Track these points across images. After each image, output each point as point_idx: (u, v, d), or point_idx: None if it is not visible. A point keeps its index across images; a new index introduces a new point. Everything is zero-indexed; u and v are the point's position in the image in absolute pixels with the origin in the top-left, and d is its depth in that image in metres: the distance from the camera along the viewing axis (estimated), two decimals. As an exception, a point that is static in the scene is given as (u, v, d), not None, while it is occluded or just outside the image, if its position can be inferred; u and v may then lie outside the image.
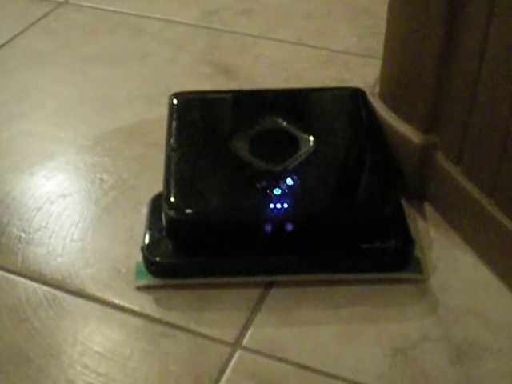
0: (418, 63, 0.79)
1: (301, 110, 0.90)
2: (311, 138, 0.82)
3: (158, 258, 0.75)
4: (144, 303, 0.74)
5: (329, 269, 0.76)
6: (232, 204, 0.76)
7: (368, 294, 0.75)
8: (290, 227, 0.74)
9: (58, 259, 0.79)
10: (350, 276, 0.76)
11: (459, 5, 0.71)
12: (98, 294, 0.75)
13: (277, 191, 0.75)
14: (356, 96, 0.89)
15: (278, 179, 0.76)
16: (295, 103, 0.90)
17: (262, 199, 0.75)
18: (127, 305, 0.74)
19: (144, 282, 0.75)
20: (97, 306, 0.74)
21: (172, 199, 0.75)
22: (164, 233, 0.76)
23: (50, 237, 0.82)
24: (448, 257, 0.79)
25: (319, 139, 0.82)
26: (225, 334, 0.71)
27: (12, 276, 0.77)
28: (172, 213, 0.74)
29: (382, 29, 0.85)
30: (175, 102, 0.87)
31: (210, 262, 0.75)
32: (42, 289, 0.76)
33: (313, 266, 0.76)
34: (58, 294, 0.75)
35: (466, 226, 0.80)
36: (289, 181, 0.76)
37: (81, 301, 0.75)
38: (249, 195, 0.76)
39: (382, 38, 0.86)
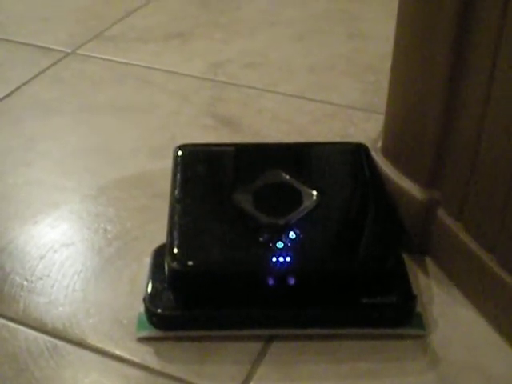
0: (421, 119, 0.80)
1: (304, 164, 0.90)
2: (314, 192, 0.82)
3: (159, 310, 0.75)
4: (145, 355, 0.74)
5: (330, 323, 0.76)
6: (234, 256, 0.76)
7: (369, 350, 0.75)
8: (292, 281, 0.74)
9: (60, 308, 0.79)
10: (351, 331, 0.76)
11: (463, 64, 0.73)
12: (99, 344, 0.75)
13: (279, 244, 0.75)
14: (359, 151, 0.90)
15: (281, 232, 0.77)
16: (298, 157, 0.91)
17: (264, 252, 0.75)
18: (128, 356, 0.74)
19: (145, 333, 0.75)
20: (97, 357, 0.74)
21: (175, 251, 0.75)
22: (166, 284, 0.76)
23: (53, 286, 0.82)
24: (449, 312, 0.79)
25: (322, 193, 0.82)
26: (226, 388, 0.71)
27: (13, 324, 0.77)
28: (175, 264, 0.74)
29: (385, 84, 0.86)
30: (180, 153, 0.88)
31: (211, 314, 0.75)
32: (43, 338, 0.76)
33: (314, 321, 0.76)
34: (59, 343, 0.75)
35: (467, 282, 0.80)
36: (291, 234, 0.77)
37: (82, 351, 0.75)
38: (251, 248, 0.76)
39: (384, 93, 0.87)
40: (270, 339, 0.75)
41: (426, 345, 0.75)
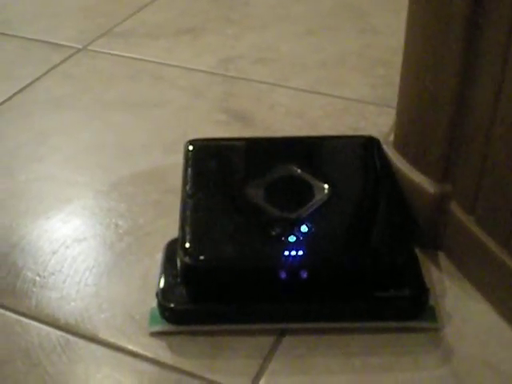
0: (432, 113, 0.80)
1: (315, 157, 0.90)
2: (325, 186, 0.82)
3: (172, 304, 0.75)
4: (157, 350, 0.74)
5: (342, 317, 0.76)
6: (247, 251, 0.76)
7: (382, 343, 0.75)
8: (304, 274, 0.74)
9: (72, 304, 0.79)
10: (364, 324, 0.76)
11: (473, 55, 0.72)
12: (112, 339, 0.75)
13: (291, 238, 0.75)
14: (370, 144, 0.90)
15: (293, 226, 0.77)
16: (309, 151, 0.91)
17: (276, 246, 0.75)
18: (140, 351, 0.74)
19: (158, 327, 0.75)
20: (110, 352, 0.74)
21: (187, 245, 0.75)
22: (178, 279, 0.76)
23: (65, 281, 0.82)
24: (462, 306, 0.78)
25: (333, 187, 0.82)
26: (238, 382, 0.71)
27: (25, 320, 0.78)
28: (187, 259, 0.74)
29: (396, 79, 0.86)
30: (191, 148, 0.88)
31: (223, 308, 0.75)
32: (56, 333, 0.76)
33: (326, 314, 0.76)
34: (71, 338, 0.76)
35: (479, 275, 0.80)
36: (303, 228, 0.76)
37: (94, 346, 0.75)
38: (264, 242, 0.76)
39: (396, 87, 0.86)
40: (282, 333, 0.75)
41: (438, 339, 0.75)
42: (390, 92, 1.11)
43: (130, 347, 0.74)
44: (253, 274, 0.75)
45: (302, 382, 0.71)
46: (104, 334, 0.76)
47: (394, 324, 0.76)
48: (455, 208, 0.81)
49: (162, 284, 0.76)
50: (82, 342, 0.75)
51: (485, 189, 0.76)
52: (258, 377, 0.71)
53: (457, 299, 0.79)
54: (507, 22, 0.67)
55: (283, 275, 0.73)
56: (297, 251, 0.74)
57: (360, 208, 0.83)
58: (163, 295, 0.75)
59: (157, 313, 0.76)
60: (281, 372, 0.72)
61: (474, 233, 0.78)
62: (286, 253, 0.74)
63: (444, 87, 0.77)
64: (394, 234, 0.78)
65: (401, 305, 0.75)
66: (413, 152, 0.85)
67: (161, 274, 0.78)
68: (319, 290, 0.75)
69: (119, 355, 0.74)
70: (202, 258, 0.75)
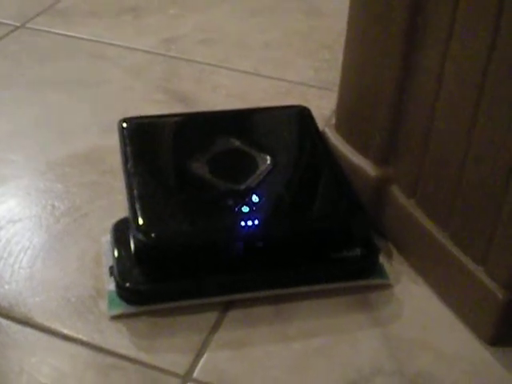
0: (374, 95, 0.80)
1: (251, 129, 0.91)
2: (267, 156, 0.82)
3: (129, 284, 0.73)
4: (93, 333, 0.72)
5: (299, 282, 0.77)
6: (203, 224, 0.75)
7: (321, 326, 0.74)
8: (261, 243, 0.75)
9: (6, 286, 0.77)
10: (318, 287, 0.77)
11: (416, 38, 0.72)
12: (46, 323, 0.73)
13: (245, 209, 0.75)
14: (302, 113, 0.91)
15: (244, 197, 0.76)
16: (245, 123, 0.91)
17: (231, 218, 0.75)
18: (75, 335, 0.72)
19: (118, 311, 0.74)
20: (44, 336, 0.72)
21: (140, 223, 0.73)
22: (134, 258, 0.74)
23: (-2, 263, 0.80)
24: (401, 288, 0.79)
25: (275, 156, 0.83)
26: (176, 365, 0.70)
27: (-43, 303, 0.75)
28: (141, 237, 0.73)
29: (340, 62, 0.85)
30: (125, 125, 0.87)
31: (183, 284, 0.74)
32: (-12, 317, 0.74)
33: (284, 281, 0.76)
34: (4, 322, 0.73)
35: (419, 258, 0.80)
36: (254, 198, 0.76)
37: (28, 330, 0.73)
38: (218, 215, 0.76)
39: (339, 71, 0.86)
40: (225, 310, 0.75)
41: (377, 321, 0.75)
42: (334, 76, 1.10)
43: (66, 331, 0.73)
44: (211, 247, 0.74)
45: (241, 365, 0.70)
46: (39, 318, 0.74)
47: (347, 284, 0.77)
48: (396, 191, 0.81)
49: (116, 265, 0.75)
50: (15, 326, 0.73)
51: (425, 172, 0.76)
52: (196, 360, 0.70)
53: (396, 281, 0.79)
54: (450, 5, 0.67)
55: (241, 246, 0.73)
56: (253, 221, 0.74)
57: (305, 175, 0.83)
58: (120, 276, 0.74)
59: (115, 296, 0.74)
60: (220, 354, 0.71)
61: (415, 216, 0.78)
62: (243, 223, 0.73)
63: (386, 72, 0.77)
64: (341, 195, 0.80)
65: (353, 264, 0.77)
66: (354, 135, 0.85)
67: (113, 256, 0.76)
68: (275, 257, 0.75)
69: (54, 339, 0.72)
70: (157, 234, 0.73)
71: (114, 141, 0.88)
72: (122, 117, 0.89)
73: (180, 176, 0.81)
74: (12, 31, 1.24)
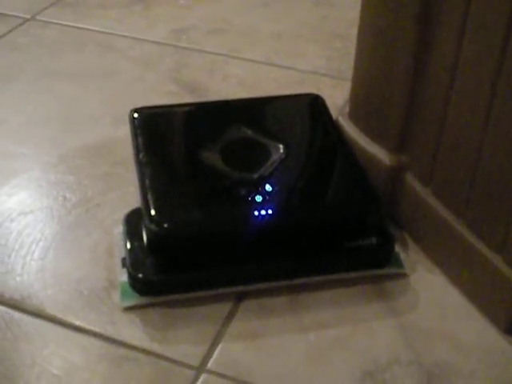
0: (388, 83, 0.78)
1: (264, 117, 0.90)
2: (280, 145, 0.81)
3: (142, 275, 0.72)
4: (106, 325, 0.72)
5: (315, 271, 0.76)
6: (216, 214, 0.74)
7: (336, 316, 0.73)
8: (275, 232, 0.74)
9: (18, 278, 0.76)
10: (334, 276, 0.76)
11: (430, 25, 0.71)
12: (59, 315, 0.73)
13: (258, 198, 0.74)
14: (316, 102, 0.90)
15: (257, 186, 0.76)
16: (258, 112, 0.90)
17: (245, 207, 0.74)
18: (88, 327, 0.71)
19: (131, 302, 0.73)
20: (56, 328, 0.72)
21: (153, 213, 0.72)
22: (145, 249, 0.73)
23: (10, 255, 0.79)
24: (417, 278, 0.78)
25: (288, 145, 0.82)
26: (190, 356, 0.69)
27: (-31, 296, 0.75)
28: (154, 227, 0.72)
29: (352, 51, 0.84)
30: (136, 116, 0.86)
31: (197, 275, 0.74)
32: (0, 309, 0.73)
33: (300, 270, 0.76)
34: (16, 314, 0.73)
35: (435, 247, 0.79)
36: (268, 187, 0.76)
37: (40, 322, 0.72)
38: (231, 204, 0.75)
39: (351, 60, 0.85)
40: (239, 300, 0.74)
41: (394, 311, 0.74)
42: (346, 64, 1.09)
43: (78, 323, 0.72)
44: (224, 237, 0.73)
45: (255, 356, 0.69)
46: (50, 310, 0.73)
47: (363, 273, 0.76)
48: (411, 179, 0.80)
49: (129, 256, 0.74)
50: (27, 318, 0.73)
51: (441, 160, 0.75)
52: (211, 350, 0.69)
53: (412, 271, 0.78)
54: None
55: (255, 235, 0.72)
56: (266, 210, 0.73)
57: (318, 163, 0.82)
58: (133, 267, 0.73)
59: (127, 287, 0.73)
60: (235, 345, 0.70)
61: (430, 204, 0.77)
62: (256, 213, 0.72)
63: (399, 59, 0.76)
64: (355, 184, 0.78)
65: (368, 253, 0.76)
66: (368, 123, 0.84)
67: (126, 247, 0.75)
68: (289, 247, 0.74)
69: (66, 331, 0.71)
70: (169, 225, 0.72)
71: (124, 132, 0.87)
72: (132, 108, 0.88)
73: (192, 166, 0.80)
74: (22, 23, 1.24)
